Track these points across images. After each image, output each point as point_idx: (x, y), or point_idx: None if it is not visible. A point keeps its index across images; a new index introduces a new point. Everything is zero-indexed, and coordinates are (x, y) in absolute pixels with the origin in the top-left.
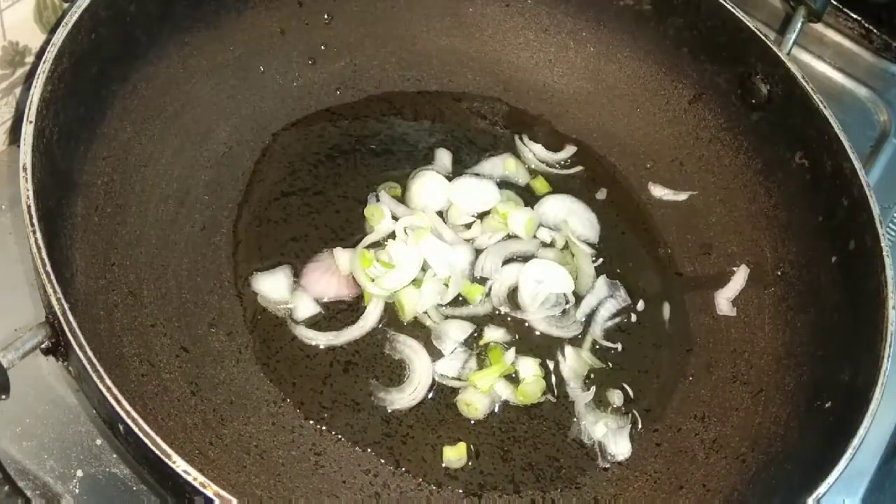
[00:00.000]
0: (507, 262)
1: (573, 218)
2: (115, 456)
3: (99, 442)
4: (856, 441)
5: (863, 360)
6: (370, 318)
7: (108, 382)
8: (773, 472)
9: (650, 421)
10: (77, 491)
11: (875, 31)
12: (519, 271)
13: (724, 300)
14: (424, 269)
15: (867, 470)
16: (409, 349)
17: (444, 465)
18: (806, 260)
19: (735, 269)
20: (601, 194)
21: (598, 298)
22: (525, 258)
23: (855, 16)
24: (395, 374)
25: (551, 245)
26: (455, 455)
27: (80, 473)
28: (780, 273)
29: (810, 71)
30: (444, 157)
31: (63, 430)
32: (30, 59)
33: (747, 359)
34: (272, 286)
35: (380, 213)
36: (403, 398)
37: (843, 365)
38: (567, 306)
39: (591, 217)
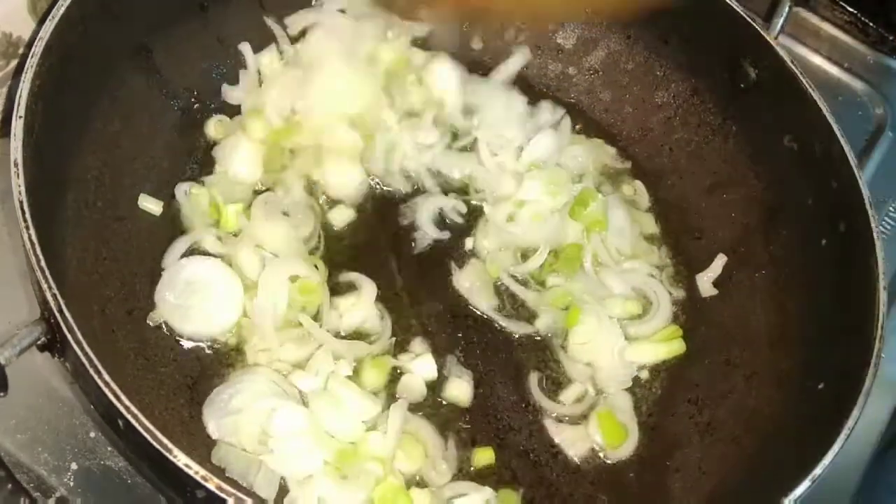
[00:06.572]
0: None
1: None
2: (109, 449)
3: (93, 435)
4: (850, 422)
5: (854, 341)
6: None
7: (107, 378)
8: (768, 455)
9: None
10: (71, 484)
11: (871, 24)
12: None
13: (705, 281)
14: None
15: (860, 463)
16: None
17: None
18: (796, 242)
19: (723, 252)
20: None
21: None
22: None
23: (851, 9)
24: None
25: None
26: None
27: (74, 466)
28: (770, 256)
29: (806, 64)
30: None
31: (57, 423)
32: (23, 50)
33: (740, 342)
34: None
35: None
36: None
37: (835, 346)
38: None
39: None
